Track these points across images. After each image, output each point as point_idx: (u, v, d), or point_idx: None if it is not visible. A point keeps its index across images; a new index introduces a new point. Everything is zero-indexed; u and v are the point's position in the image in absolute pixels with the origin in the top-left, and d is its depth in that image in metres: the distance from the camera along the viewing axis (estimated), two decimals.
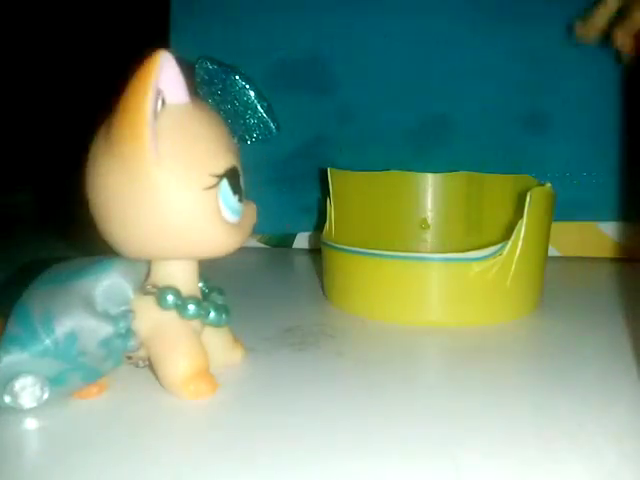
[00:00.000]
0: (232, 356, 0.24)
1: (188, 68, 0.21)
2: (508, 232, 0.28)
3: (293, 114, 0.41)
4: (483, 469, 0.16)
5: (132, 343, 0.20)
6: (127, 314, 0.20)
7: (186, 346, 0.21)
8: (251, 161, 0.25)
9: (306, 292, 0.35)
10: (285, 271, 0.42)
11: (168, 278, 0.21)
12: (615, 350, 0.25)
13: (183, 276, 0.21)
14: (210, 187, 0.19)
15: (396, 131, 0.41)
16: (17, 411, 0.19)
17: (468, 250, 0.27)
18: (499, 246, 0.27)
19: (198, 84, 0.22)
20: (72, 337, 0.19)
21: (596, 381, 0.22)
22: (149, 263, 0.21)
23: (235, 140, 0.22)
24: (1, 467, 0.17)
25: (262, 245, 0.46)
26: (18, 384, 0.19)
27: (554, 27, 0.38)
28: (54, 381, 0.19)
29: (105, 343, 0.20)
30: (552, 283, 0.38)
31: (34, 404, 0.19)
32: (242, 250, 0.21)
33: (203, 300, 0.21)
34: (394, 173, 0.36)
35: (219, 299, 0.22)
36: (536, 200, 0.27)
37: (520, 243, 0.27)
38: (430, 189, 0.36)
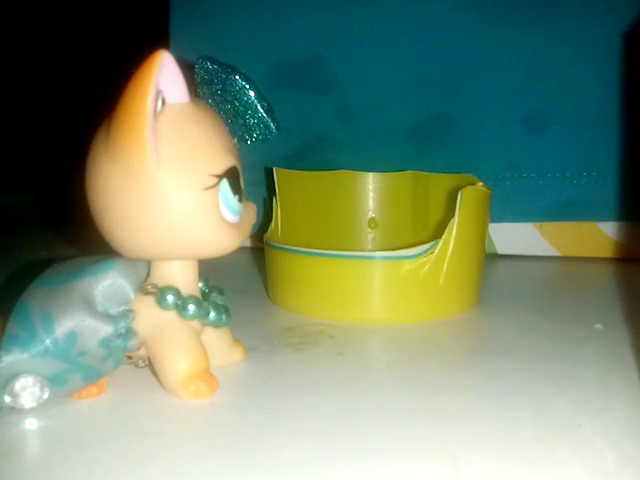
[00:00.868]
0: (232, 356, 0.24)
1: (188, 68, 0.21)
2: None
3: (293, 114, 0.41)
4: (482, 469, 0.16)
5: (132, 343, 0.20)
6: (127, 314, 0.20)
7: (186, 346, 0.21)
8: (251, 161, 0.25)
9: None
10: None
11: (168, 278, 0.21)
12: (615, 350, 0.25)
13: (183, 276, 0.21)
14: (210, 187, 0.19)
15: (396, 131, 0.41)
16: (17, 411, 0.19)
17: None
18: (430, 244, 0.28)
19: (198, 84, 0.22)
20: (72, 337, 0.19)
21: (596, 381, 0.22)
22: (149, 263, 0.21)
23: (235, 140, 0.22)
24: (1, 467, 0.17)
25: (262, 245, 0.46)
26: (18, 384, 0.19)
27: (554, 27, 0.38)
28: (54, 381, 0.19)
29: (105, 343, 0.20)
30: (551, 283, 0.38)
31: (34, 404, 0.19)
32: (242, 250, 0.21)
33: (203, 300, 0.21)
34: (341, 173, 0.36)
35: (219, 299, 0.22)
36: (467, 199, 0.28)
37: (452, 242, 0.28)
38: (377, 189, 0.36)
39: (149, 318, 0.21)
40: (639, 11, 0.36)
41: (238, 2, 0.42)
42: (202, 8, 0.43)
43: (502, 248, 0.41)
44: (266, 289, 0.33)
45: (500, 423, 0.19)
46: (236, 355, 0.24)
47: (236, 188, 0.20)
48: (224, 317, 0.22)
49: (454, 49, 0.40)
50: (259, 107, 0.22)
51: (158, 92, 0.18)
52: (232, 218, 0.20)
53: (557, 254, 0.41)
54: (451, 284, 0.28)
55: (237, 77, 0.21)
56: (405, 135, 0.41)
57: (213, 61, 0.22)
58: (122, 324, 0.20)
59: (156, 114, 0.18)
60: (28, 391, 0.19)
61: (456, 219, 0.28)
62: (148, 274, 0.21)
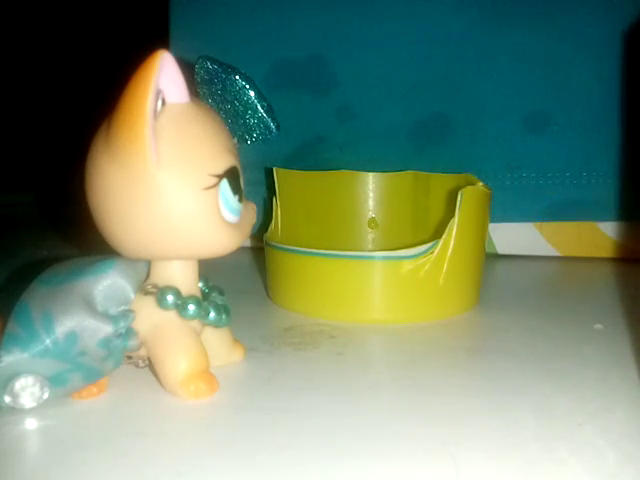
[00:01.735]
0: (232, 356, 0.24)
1: (188, 68, 0.21)
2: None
3: (293, 114, 0.41)
4: (482, 469, 0.16)
5: (132, 343, 0.20)
6: (127, 314, 0.20)
7: (186, 346, 0.21)
8: (251, 161, 0.25)
9: None
10: None
11: (168, 278, 0.21)
12: (615, 350, 0.25)
13: (183, 276, 0.21)
14: (210, 187, 0.19)
15: (396, 131, 0.41)
16: (17, 411, 0.19)
17: None
18: (430, 244, 0.28)
19: (198, 84, 0.22)
20: (72, 337, 0.19)
21: (596, 381, 0.22)
22: (149, 263, 0.21)
23: (235, 140, 0.22)
24: (1, 467, 0.17)
25: (262, 245, 0.46)
26: (18, 384, 0.19)
27: (555, 27, 0.38)
28: (54, 381, 0.19)
29: (105, 343, 0.20)
30: (551, 283, 0.38)
31: (34, 404, 0.19)
32: (242, 250, 0.21)
33: (203, 300, 0.21)
34: (341, 173, 0.36)
35: (219, 299, 0.22)
36: (467, 199, 0.28)
37: (452, 242, 0.28)
38: (377, 189, 0.36)
39: (149, 318, 0.21)
40: (639, 11, 0.36)
41: (238, 2, 0.42)
42: (202, 8, 0.43)
43: (502, 248, 0.41)
44: (266, 289, 0.33)
45: (500, 423, 0.19)
46: (236, 355, 0.24)
47: (236, 188, 0.20)
48: (224, 317, 0.22)
49: (454, 49, 0.40)
50: (259, 107, 0.22)
51: (158, 92, 0.18)
52: (232, 218, 0.20)
53: (557, 254, 0.41)
54: (451, 284, 0.28)
55: (237, 77, 0.21)
56: (405, 135, 0.41)
57: (213, 61, 0.22)
58: (122, 324, 0.20)
59: (156, 114, 0.18)
60: (28, 391, 0.19)
61: (456, 219, 0.28)
62: (148, 274, 0.21)
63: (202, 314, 0.21)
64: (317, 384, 0.22)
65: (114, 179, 0.19)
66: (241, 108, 0.22)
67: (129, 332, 0.20)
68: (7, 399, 0.19)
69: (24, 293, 0.20)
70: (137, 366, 0.22)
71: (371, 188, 0.36)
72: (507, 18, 0.39)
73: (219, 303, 0.22)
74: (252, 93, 0.22)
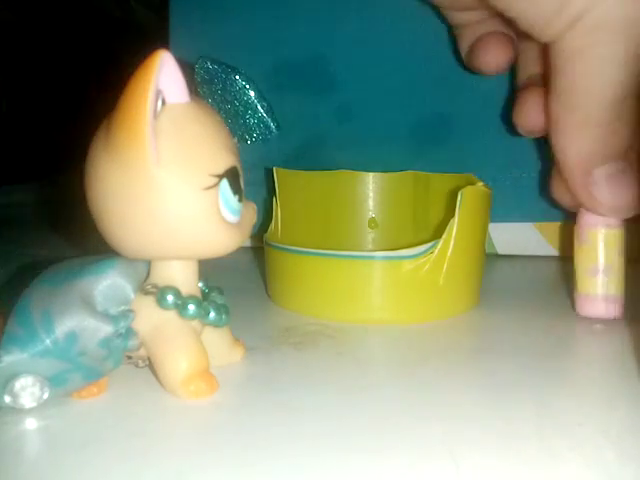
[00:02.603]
0: (232, 355, 0.24)
1: (188, 68, 0.21)
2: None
3: (293, 114, 0.41)
4: (483, 469, 0.16)
5: (132, 343, 0.20)
6: (127, 314, 0.20)
7: (186, 346, 0.21)
8: (251, 161, 0.25)
9: None
10: None
11: (168, 278, 0.21)
12: (615, 349, 0.25)
13: (183, 276, 0.21)
14: (210, 187, 0.19)
15: (396, 131, 0.41)
16: (17, 411, 0.19)
17: None
18: (430, 244, 0.28)
19: (198, 84, 0.22)
20: (72, 337, 0.19)
21: (596, 381, 0.22)
22: (149, 263, 0.21)
23: (235, 140, 0.22)
24: (1, 467, 0.17)
25: (262, 245, 0.46)
26: (18, 384, 0.19)
27: None
28: (54, 381, 0.19)
29: (105, 343, 0.20)
30: (551, 283, 0.38)
31: (34, 404, 0.19)
32: (242, 250, 0.21)
33: (203, 300, 0.21)
34: (341, 172, 0.36)
35: (219, 299, 0.22)
36: (467, 199, 0.28)
37: (452, 242, 0.28)
38: (377, 189, 0.36)
39: (149, 318, 0.21)
40: None
41: (238, 2, 0.42)
42: (202, 8, 0.43)
43: (502, 248, 0.41)
44: (266, 289, 0.33)
45: (500, 422, 0.19)
46: (236, 355, 0.24)
47: (236, 188, 0.20)
48: (224, 317, 0.22)
49: (454, 49, 0.40)
50: (259, 107, 0.22)
51: (158, 92, 0.18)
52: (232, 218, 0.20)
53: (557, 254, 0.41)
54: (451, 284, 0.28)
55: (237, 77, 0.22)
56: (405, 135, 0.41)
57: (213, 61, 0.22)
58: (122, 324, 0.20)
59: (156, 114, 0.18)
60: (28, 391, 0.19)
61: (456, 219, 0.28)
62: (148, 274, 0.21)
63: (202, 314, 0.21)
64: (317, 384, 0.22)
65: (114, 179, 0.19)
66: (241, 108, 0.22)
67: (129, 332, 0.20)
68: (7, 399, 0.19)
69: (24, 293, 0.20)
70: (137, 366, 0.22)
71: (371, 188, 0.36)
72: None
73: (219, 303, 0.22)
74: (252, 93, 0.22)
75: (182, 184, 0.19)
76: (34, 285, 0.20)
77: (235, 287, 0.33)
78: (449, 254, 0.28)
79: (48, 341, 0.19)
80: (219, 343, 0.23)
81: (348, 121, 0.42)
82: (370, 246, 0.36)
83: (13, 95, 0.74)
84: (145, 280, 0.21)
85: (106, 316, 0.20)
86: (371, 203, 0.36)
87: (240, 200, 0.20)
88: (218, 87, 0.22)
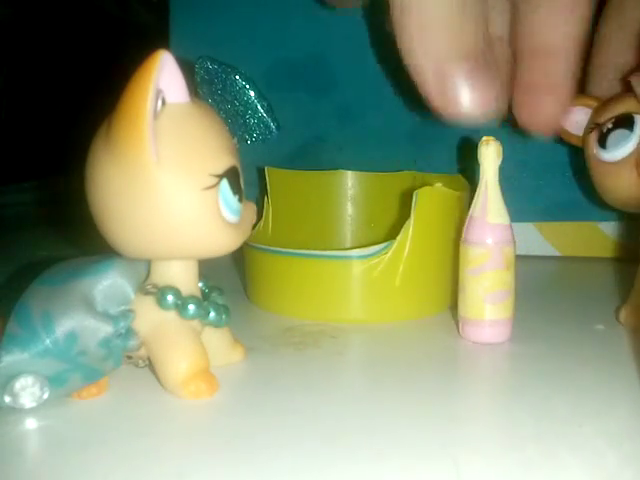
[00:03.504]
0: (232, 356, 0.24)
1: (188, 68, 0.21)
2: None
3: (293, 114, 0.41)
4: (482, 470, 0.16)
5: (132, 343, 0.20)
6: (127, 314, 0.20)
7: (186, 346, 0.21)
8: (251, 161, 0.25)
9: None
10: None
11: (168, 278, 0.21)
12: (615, 350, 0.25)
13: (183, 276, 0.21)
14: (210, 187, 0.19)
15: (396, 131, 0.41)
16: (17, 411, 0.19)
17: None
18: (384, 245, 0.28)
19: (198, 84, 0.22)
20: (72, 337, 0.19)
21: (596, 382, 0.22)
22: (149, 263, 0.21)
23: (235, 140, 0.22)
24: (1, 467, 0.17)
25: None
26: (18, 384, 0.19)
27: None
28: (54, 381, 0.19)
29: (105, 343, 0.20)
30: (551, 283, 0.38)
31: (34, 404, 0.19)
32: (242, 250, 0.21)
33: (203, 300, 0.21)
34: (335, 172, 0.35)
35: (219, 299, 0.22)
36: (423, 200, 0.27)
37: (408, 243, 0.27)
38: (371, 189, 0.36)
39: (149, 318, 0.21)
40: None
41: (238, 2, 0.42)
42: (202, 8, 0.43)
43: None
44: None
45: (500, 424, 0.19)
46: (236, 355, 0.24)
47: (236, 188, 0.20)
48: (224, 317, 0.22)
49: None
50: (259, 107, 0.22)
51: (158, 92, 0.18)
52: (232, 218, 0.20)
53: (557, 254, 0.41)
54: (411, 285, 0.28)
55: (237, 77, 0.22)
56: (405, 135, 0.41)
57: (213, 61, 0.22)
58: (122, 324, 0.20)
59: (156, 114, 0.18)
60: (28, 391, 0.19)
61: (411, 220, 0.27)
62: (148, 274, 0.21)
63: (202, 314, 0.21)
64: (317, 384, 0.22)
65: (114, 179, 0.19)
66: (241, 108, 0.22)
67: (129, 332, 0.20)
68: (7, 399, 0.19)
69: (24, 293, 0.20)
70: (137, 366, 0.22)
71: (366, 188, 0.36)
72: None
73: (219, 303, 0.22)
74: (252, 93, 0.22)
75: (182, 184, 0.19)
76: (34, 285, 0.20)
77: (235, 287, 0.33)
78: (405, 255, 0.28)
79: (48, 341, 0.19)
80: (219, 343, 0.23)
81: (348, 121, 0.42)
82: (365, 246, 0.36)
83: (13, 95, 0.74)
84: (145, 280, 0.21)
85: (106, 316, 0.20)
86: (366, 203, 0.36)
87: (240, 200, 0.20)
88: (218, 87, 0.22)
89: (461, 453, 0.17)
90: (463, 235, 0.26)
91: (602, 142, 0.29)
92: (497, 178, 0.26)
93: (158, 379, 0.21)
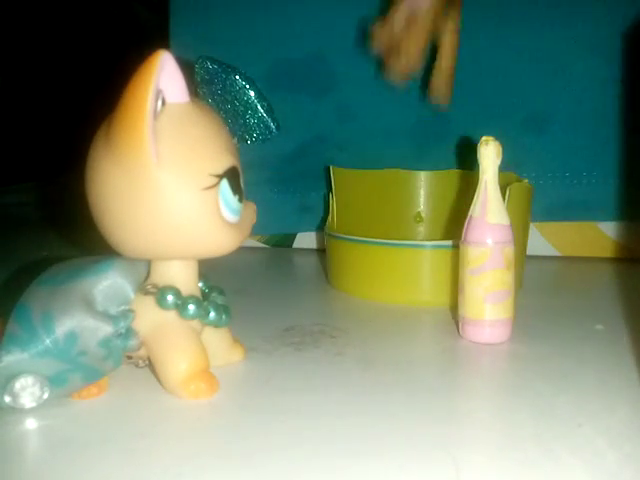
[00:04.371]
0: (232, 356, 0.24)
1: (188, 68, 0.21)
2: None
3: (293, 114, 0.41)
4: (482, 469, 0.16)
5: (132, 343, 0.20)
6: (127, 314, 0.20)
7: (186, 346, 0.21)
8: (251, 161, 0.24)
9: (306, 292, 0.35)
10: (284, 271, 0.42)
11: (168, 278, 0.21)
12: (615, 350, 0.25)
13: (183, 276, 0.21)
14: (210, 187, 0.19)
15: (396, 130, 0.41)
16: (17, 411, 0.19)
17: None
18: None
19: (198, 84, 0.22)
20: (72, 337, 0.19)
21: (596, 381, 0.22)
22: (149, 263, 0.21)
23: (235, 140, 0.22)
24: (1, 467, 0.17)
25: (262, 245, 0.46)
26: (18, 384, 0.19)
27: (555, 28, 0.38)
28: (54, 381, 0.19)
29: (105, 343, 0.20)
30: (551, 283, 0.38)
31: (34, 404, 0.19)
32: (242, 250, 0.21)
33: (203, 300, 0.21)
34: (392, 171, 0.38)
35: (219, 299, 0.22)
36: (515, 195, 0.30)
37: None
38: (424, 186, 0.39)
39: (149, 318, 0.21)
40: (639, 12, 0.36)
41: (238, 2, 0.42)
42: (202, 8, 0.43)
43: None
44: (266, 288, 0.33)
45: (500, 423, 0.19)
46: (236, 355, 0.24)
47: (236, 188, 0.20)
48: (224, 317, 0.22)
49: None
50: (259, 107, 0.22)
51: (158, 92, 0.18)
52: (232, 218, 0.20)
53: (557, 254, 0.41)
54: None
55: (237, 77, 0.21)
56: (405, 135, 0.41)
57: (213, 61, 0.22)
58: (122, 324, 0.20)
59: (156, 114, 0.18)
60: (28, 391, 0.19)
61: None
62: (148, 274, 0.21)
63: (202, 314, 0.21)
64: (317, 384, 0.22)
65: (114, 179, 0.19)
66: (241, 108, 0.22)
67: (129, 332, 0.20)
68: (7, 399, 0.19)
69: (24, 293, 0.20)
70: (137, 366, 0.22)
71: (418, 185, 0.39)
72: (507, 19, 0.39)
73: (219, 303, 0.22)
74: (252, 93, 0.22)
75: (182, 184, 0.19)
76: (34, 285, 0.20)
77: (235, 287, 0.33)
78: None
79: (48, 341, 0.19)
80: (219, 343, 0.23)
81: (348, 121, 0.42)
82: (418, 238, 0.39)
83: (13, 95, 0.74)
84: (145, 280, 0.21)
85: (106, 316, 0.20)
86: (418, 199, 0.39)
87: (240, 200, 0.20)
88: (218, 87, 0.21)
89: (461, 452, 0.17)
90: (463, 235, 0.26)
91: None
92: (497, 178, 0.26)
93: (158, 379, 0.21)
